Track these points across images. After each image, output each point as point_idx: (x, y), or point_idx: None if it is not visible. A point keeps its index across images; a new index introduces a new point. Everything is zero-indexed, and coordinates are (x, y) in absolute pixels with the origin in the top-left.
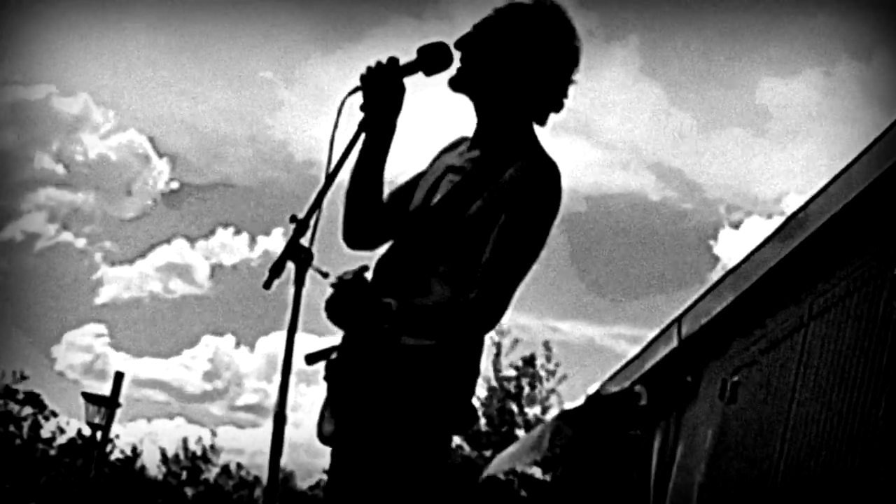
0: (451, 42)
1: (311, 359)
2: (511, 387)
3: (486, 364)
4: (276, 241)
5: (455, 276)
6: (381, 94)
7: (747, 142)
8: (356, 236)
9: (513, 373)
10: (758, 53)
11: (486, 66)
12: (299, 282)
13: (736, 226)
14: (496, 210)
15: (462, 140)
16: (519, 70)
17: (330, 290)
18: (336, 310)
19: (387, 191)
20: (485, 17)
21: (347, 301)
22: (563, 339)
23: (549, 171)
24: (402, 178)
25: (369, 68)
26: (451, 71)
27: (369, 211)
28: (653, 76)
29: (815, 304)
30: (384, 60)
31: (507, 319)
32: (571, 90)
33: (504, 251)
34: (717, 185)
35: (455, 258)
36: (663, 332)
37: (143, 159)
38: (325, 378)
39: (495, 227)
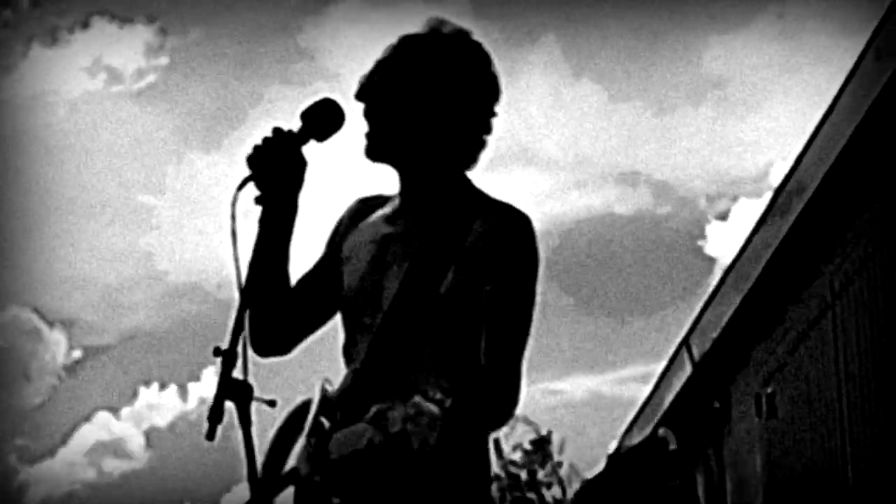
0: (337, 97)
1: None
2: (522, 473)
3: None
4: (209, 384)
5: (448, 365)
6: (278, 172)
7: (709, 118)
8: (266, 343)
9: (520, 456)
10: (697, 13)
11: (398, 122)
12: (245, 421)
13: (723, 217)
14: (473, 280)
15: (366, 202)
16: (436, 112)
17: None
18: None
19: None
20: (380, 59)
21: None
22: (567, 400)
23: (521, 224)
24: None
25: (256, 147)
26: (349, 132)
27: (278, 311)
28: (583, 74)
29: (835, 279)
30: (269, 133)
31: None
32: (496, 122)
33: (503, 328)
34: (689, 177)
35: (439, 342)
36: (673, 359)
37: (33, 335)
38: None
39: (477, 299)
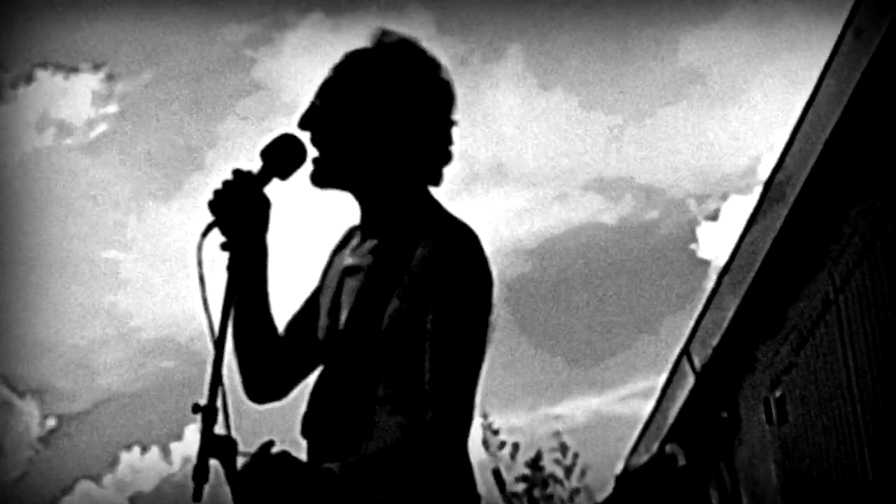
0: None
1: None
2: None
3: (487, 490)
4: (192, 442)
5: (400, 398)
6: (241, 216)
7: (690, 115)
8: (260, 390)
9: (522, 486)
10: (666, 6)
11: (346, 143)
12: (232, 478)
13: (713, 217)
14: (417, 306)
15: (350, 232)
16: (385, 131)
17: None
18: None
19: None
20: (324, 81)
21: (272, 489)
22: (568, 426)
23: (463, 242)
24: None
25: (216, 191)
26: (309, 164)
27: (267, 355)
28: (552, 83)
29: (835, 272)
30: (230, 176)
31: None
32: (457, 134)
33: (447, 355)
34: (675, 178)
35: (391, 376)
36: (674, 371)
37: (3, 407)
38: None
39: (425, 326)
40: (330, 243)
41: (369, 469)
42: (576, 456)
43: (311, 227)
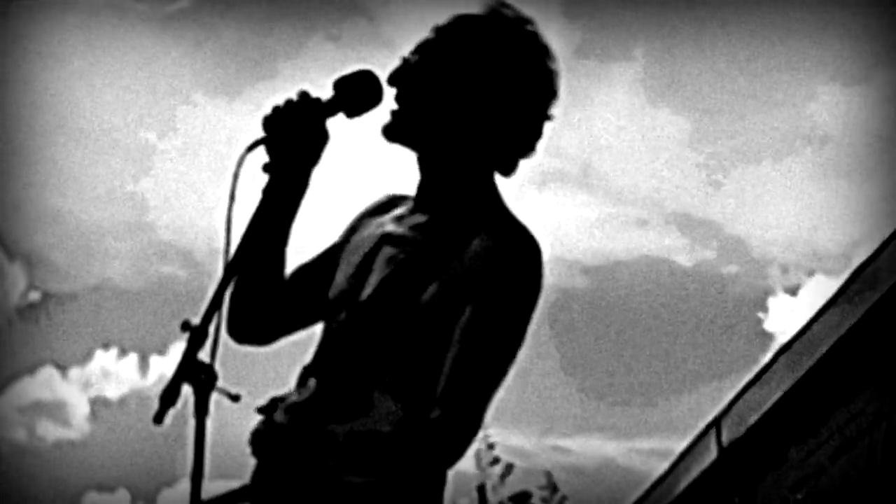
0: (380, 70)
1: None
2: None
3: None
4: (174, 362)
5: (406, 387)
6: (294, 141)
7: (803, 177)
8: (246, 328)
9: None
10: (812, 57)
11: (430, 106)
12: (201, 410)
13: (793, 291)
14: (458, 298)
15: (391, 199)
16: (475, 106)
17: (258, 418)
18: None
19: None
20: (423, 40)
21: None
22: (574, 463)
23: (525, 247)
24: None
25: (276, 108)
26: (383, 110)
27: (267, 294)
28: (666, 100)
29: None
30: (294, 96)
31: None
32: (549, 129)
33: (473, 357)
34: (765, 239)
35: (405, 362)
36: (698, 439)
37: None
38: None
39: (457, 321)
40: (357, 205)
41: (367, 446)
42: (564, 498)
43: (350, 179)
